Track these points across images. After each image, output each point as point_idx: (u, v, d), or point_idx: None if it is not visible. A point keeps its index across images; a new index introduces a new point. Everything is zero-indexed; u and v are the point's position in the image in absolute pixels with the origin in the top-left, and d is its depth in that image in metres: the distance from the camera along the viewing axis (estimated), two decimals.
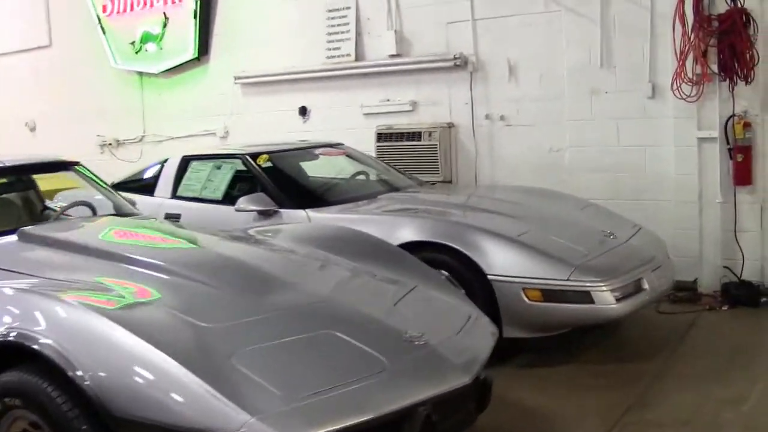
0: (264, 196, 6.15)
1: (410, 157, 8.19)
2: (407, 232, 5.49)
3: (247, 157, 6.57)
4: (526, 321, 5.16)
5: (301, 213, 6.10)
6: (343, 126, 8.72)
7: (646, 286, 5.27)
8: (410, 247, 5.12)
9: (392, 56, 8.40)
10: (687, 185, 6.89)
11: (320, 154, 6.85)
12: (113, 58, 10.35)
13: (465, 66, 8.00)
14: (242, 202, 6.14)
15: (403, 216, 5.75)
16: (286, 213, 6.15)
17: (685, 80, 6.63)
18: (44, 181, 5.48)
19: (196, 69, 9.82)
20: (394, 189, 6.78)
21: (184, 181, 6.90)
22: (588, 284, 4.99)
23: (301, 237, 4.72)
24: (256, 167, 6.45)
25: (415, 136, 8.16)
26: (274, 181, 6.44)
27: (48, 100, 10.77)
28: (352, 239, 4.74)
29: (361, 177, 7.19)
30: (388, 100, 8.50)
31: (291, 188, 6.45)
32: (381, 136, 8.36)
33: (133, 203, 5.61)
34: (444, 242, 5.35)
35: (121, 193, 5.81)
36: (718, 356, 5.33)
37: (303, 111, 9.00)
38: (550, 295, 5.07)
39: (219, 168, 6.80)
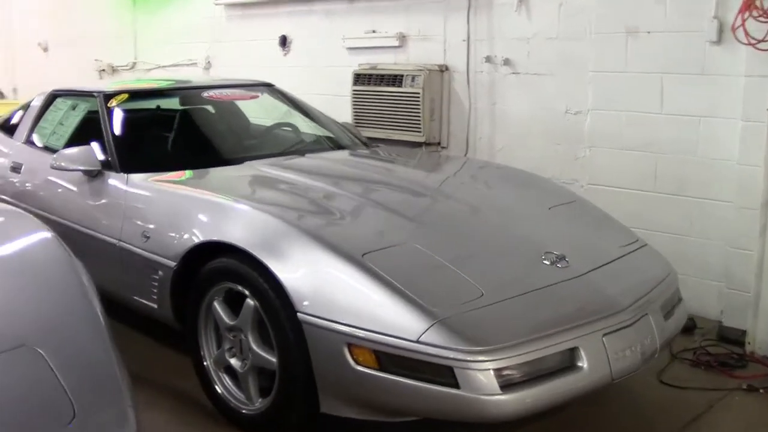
0: (89, 151, 4.18)
1: (389, 108, 6.03)
2: (213, 223, 3.66)
3: (102, 96, 4.57)
4: (352, 395, 3.10)
5: (121, 176, 4.18)
6: (323, 63, 6.70)
7: (583, 361, 3.04)
8: (201, 249, 3.51)
9: None
10: (753, 182, 4.40)
11: (208, 97, 4.74)
12: None
13: None
14: (60, 156, 4.20)
15: (229, 199, 3.72)
16: (109, 176, 4.17)
17: (759, 13, 4.10)
18: None
19: None
20: (309, 150, 4.79)
21: (40, 123, 5.04)
22: (450, 354, 2.81)
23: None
24: (105, 111, 4.48)
25: (395, 80, 5.96)
26: (119, 131, 4.44)
27: (57, 21, 9.99)
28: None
29: (281, 130, 5.09)
30: (374, 32, 6.35)
31: (133, 143, 4.54)
32: (358, 78, 6.24)
33: None
34: (252, 251, 3.24)
35: None
36: None
37: (283, 41, 7.03)
38: (388, 361, 2.97)
39: (74, 108, 4.88)
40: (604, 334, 3.09)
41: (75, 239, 4.20)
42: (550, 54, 5.35)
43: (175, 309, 3.72)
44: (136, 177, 4.09)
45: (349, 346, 2.98)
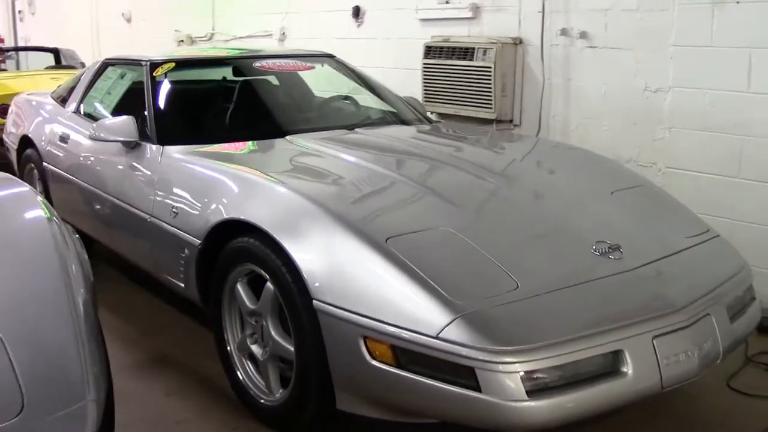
0: (128, 122, 4.01)
1: (459, 83, 5.70)
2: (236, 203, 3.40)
3: (148, 65, 4.40)
4: (368, 392, 2.85)
5: (157, 148, 4.04)
6: (396, 35, 6.40)
7: (628, 366, 2.68)
8: (226, 227, 3.28)
9: None
10: None
11: (259, 67, 4.52)
12: None
13: None
14: (99, 127, 4.05)
15: (256, 175, 3.49)
16: (146, 148, 4.02)
17: None
18: None
19: None
20: (363, 125, 4.50)
21: (90, 92, 4.92)
22: (472, 353, 2.50)
23: None
24: (149, 80, 4.30)
25: (466, 53, 5.62)
26: (161, 101, 4.27)
27: None
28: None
29: (336, 104, 4.85)
30: (447, 2, 5.99)
31: (174, 114, 4.35)
32: (429, 51, 5.92)
33: None
34: (269, 231, 3.00)
35: None
36: None
37: (356, 12, 6.74)
38: (405, 358, 2.68)
39: (122, 78, 4.74)
40: (655, 336, 2.74)
41: (112, 212, 4.06)
42: (629, 26, 4.93)
43: (201, 289, 3.52)
44: (171, 149, 3.90)
45: (365, 339, 2.72)
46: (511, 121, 5.63)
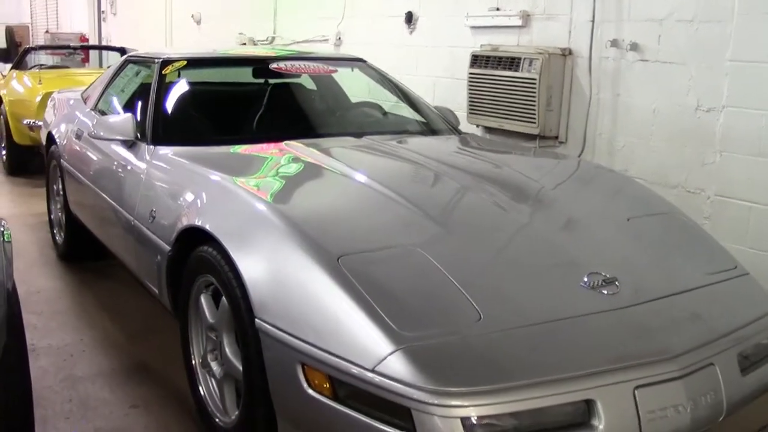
0: (126, 120, 3.84)
1: (504, 94, 5.37)
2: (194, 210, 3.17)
3: (159, 62, 4.24)
4: (307, 424, 2.55)
5: (149, 148, 3.85)
6: (446, 42, 6.11)
7: (599, 420, 2.31)
8: (192, 233, 3.04)
9: None
10: None
11: (275, 69, 4.30)
12: None
13: None
14: (99, 124, 3.90)
15: (227, 179, 3.24)
16: (139, 147, 3.83)
17: None
18: None
19: None
20: (374, 133, 4.19)
21: (108, 89, 4.80)
22: (408, 391, 2.17)
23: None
24: (157, 77, 4.13)
25: (513, 63, 5.28)
26: (162, 100, 4.09)
27: None
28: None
29: (355, 110, 4.59)
30: (498, 10, 5.66)
31: (173, 113, 4.13)
32: (476, 60, 5.60)
33: None
34: (221, 240, 2.77)
35: None
36: None
37: (409, 18, 6.47)
38: (343, 391, 2.39)
39: (137, 75, 4.60)
40: (637, 387, 2.37)
41: (108, 212, 3.92)
42: (684, 39, 4.52)
43: (173, 298, 3.30)
44: (161, 150, 3.70)
45: (304, 366, 2.43)
46: (556, 137, 5.26)
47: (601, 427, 2.30)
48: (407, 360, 2.24)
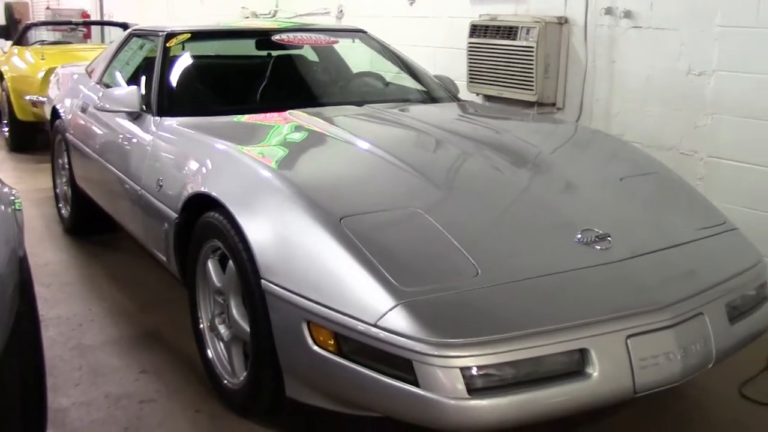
0: (132, 93, 3.93)
1: (502, 63, 5.46)
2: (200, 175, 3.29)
3: (164, 35, 4.31)
4: (312, 380, 2.69)
5: (155, 119, 3.94)
6: (446, 13, 6.19)
7: (594, 367, 2.44)
8: (199, 200, 3.15)
9: None
10: None
11: (278, 40, 4.38)
12: None
13: None
14: (105, 97, 3.99)
15: (232, 147, 3.34)
16: (145, 119, 3.94)
17: None
18: None
19: None
20: (377, 101, 4.32)
21: (113, 63, 4.88)
22: (409, 344, 2.29)
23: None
24: (161, 51, 4.21)
25: (510, 32, 5.36)
26: (167, 73, 4.17)
27: None
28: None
29: (357, 80, 4.68)
30: None
31: (178, 86, 4.19)
32: (474, 30, 5.68)
33: None
34: (228, 205, 2.87)
35: None
36: None
37: None
38: (348, 346, 2.51)
39: (141, 48, 4.67)
40: (630, 336, 2.48)
41: (115, 183, 4.01)
42: (675, 4, 4.59)
43: (181, 264, 3.40)
44: (167, 121, 3.79)
45: (309, 323, 2.54)
46: (554, 104, 5.34)
47: (595, 374, 2.41)
48: (408, 314, 2.34)
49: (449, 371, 2.28)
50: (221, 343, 3.16)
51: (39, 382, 2.31)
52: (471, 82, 5.75)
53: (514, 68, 5.38)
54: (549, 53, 5.24)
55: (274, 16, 8.61)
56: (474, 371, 2.30)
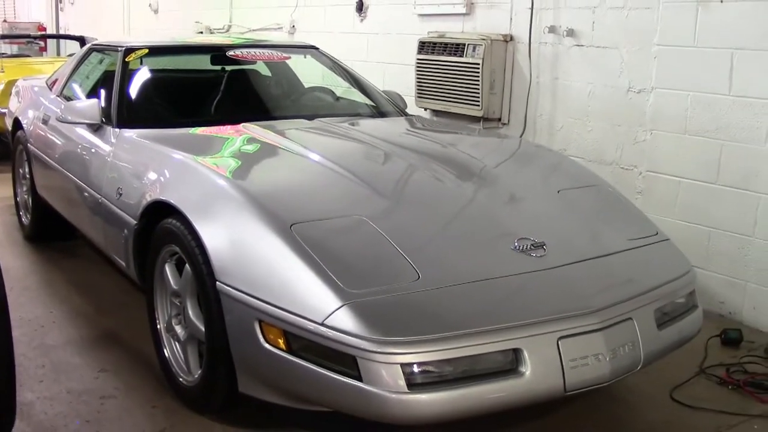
0: (92, 105, 4.07)
1: (449, 79, 5.66)
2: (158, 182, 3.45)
3: (123, 50, 4.46)
4: (264, 376, 2.84)
5: (114, 131, 4.09)
6: (396, 30, 6.41)
7: (526, 366, 2.62)
8: (157, 207, 3.31)
9: None
10: None
11: (233, 56, 4.55)
12: None
13: None
14: (66, 109, 4.11)
15: (188, 157, 3.51)
16: (105, 130, 4.08)
17: None
18: None
19: None
20: (327, 115, 4.50)
21: (73, 76, 5.00)
22: (354, 341, 2.46)
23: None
24: (120, 65, 4.35)
25: (458, 49, 5.57)
26: (126, 86, 4.32)
27: None
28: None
29: (307, 94, 4.86)
30: None
31: (136, 99, 4.36)
32: (423, 47, 5.89)
33: None
34: (185, 212, 3.05)
35: None
36: None
37: (360, 6, 6.76)
38: (297, 344, 2.68)
39: (101, 63, 4.81)
40: (561, 337, 2.67)
41: (75, 193, 4.13)
42: (615, 25, 4.84)
43: (139, 269, 3.55)
44: (126, 132, 3.95)
45: (261, 322, 2.71)
46: (499, 119, 5.57)
47: (527, 373, 2.60)
48: (353, 314, 2.52)
49: (390, 367, 2.46)
50: (177, 343, 3.31)
51: (9, 377, 2.43)
52: (419, 97, 5.96)
53: (461, 84, 5.59)
54: (495, 70, 5.46)
55: (227, 30, 8.77)
56: (414, 368, 2.48)
